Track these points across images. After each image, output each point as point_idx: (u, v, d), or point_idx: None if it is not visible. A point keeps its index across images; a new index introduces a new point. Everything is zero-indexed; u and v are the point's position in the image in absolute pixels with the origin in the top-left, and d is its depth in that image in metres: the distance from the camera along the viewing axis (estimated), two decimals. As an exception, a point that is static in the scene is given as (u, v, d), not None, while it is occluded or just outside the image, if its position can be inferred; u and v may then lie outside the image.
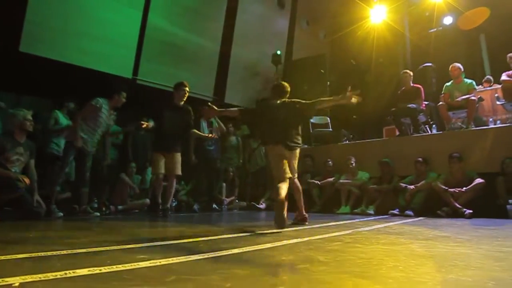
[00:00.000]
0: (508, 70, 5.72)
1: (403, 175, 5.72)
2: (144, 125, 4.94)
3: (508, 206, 4.52)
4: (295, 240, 2.64)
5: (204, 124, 6.25)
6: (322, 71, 8.48)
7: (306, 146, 7.71)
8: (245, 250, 2.18)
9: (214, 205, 6.34)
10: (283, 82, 4.36)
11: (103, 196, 5.62)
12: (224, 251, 2.14)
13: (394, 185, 5.57)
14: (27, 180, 3.93)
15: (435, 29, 9.01)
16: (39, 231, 3.29)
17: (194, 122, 5.71)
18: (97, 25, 6.31)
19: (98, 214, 4.86)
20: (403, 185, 5.39)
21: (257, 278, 1.55)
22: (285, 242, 2.56)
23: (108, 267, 1.68)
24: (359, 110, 8.93)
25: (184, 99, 5.19)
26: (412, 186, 5.28)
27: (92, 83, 5.78)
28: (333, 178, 6.27)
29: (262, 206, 6.67)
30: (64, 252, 2.08)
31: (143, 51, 6.98)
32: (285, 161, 3.83)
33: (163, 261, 1.83)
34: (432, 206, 5.05)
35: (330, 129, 7.96)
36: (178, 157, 5.05)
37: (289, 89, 4.16)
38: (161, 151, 4.96)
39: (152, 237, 2.90)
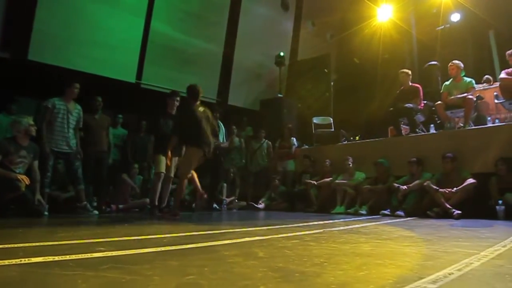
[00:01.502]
0: (508, 68, 5.59)
1: (400, 175, 5.71)
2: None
3: (497, 207, 4.45)
4: (256, 238, 2.76)
5: None
6: (325, 70, 8.51)
7: (306, 146, 7.80)
8: (196, 246, 2.33)
9: (215, 205, 6.51)
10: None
11: (105, 196, 5.90)
12: (178, 245, 2.31)
13: (388, 186, 5.57)
14: (26, 180, 4.24)
15: (442, 27, 8.85)
16: (30, 228, 3.56)
17: None
18: (101, 32, 6.63)
19: (97, 212, 5.13)
20: (396, 185, 5.39)
21: (181, 269, 1.69)
22: (245, 239, 2.69)
23: (62, 256, 1.90)
24: (365, 109, 8.92)
25: (175, 107, 5.49)
26: (404, 187, 5.27)
27: (96, 88, 6.07)
28: (330, 179, 6.32)
29: (261, 206, 6.81)
30: (34, 244, 2.31)
31: (146, 55, 7.26)
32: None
33: (115, 253, 2.03)
34: (424, 207, 5.03)
35: (333, 130, 7.99)
36: (177, 160, 5.34)
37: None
38: (162, 153, 5.17)
39: (126, 232, 3.09)
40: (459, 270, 1.69)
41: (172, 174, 5.37)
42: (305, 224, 4.04)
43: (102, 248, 2.15)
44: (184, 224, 4.11)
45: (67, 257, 1.89)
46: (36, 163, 4.67)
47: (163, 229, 3.41)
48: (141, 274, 1.57)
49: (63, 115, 5.13)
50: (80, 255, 1.95)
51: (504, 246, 2.39)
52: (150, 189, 6.44)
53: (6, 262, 1.73)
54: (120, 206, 5.90)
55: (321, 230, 3.33)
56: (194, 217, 5.25)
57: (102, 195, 5.68)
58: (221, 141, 6.44)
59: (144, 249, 2.17)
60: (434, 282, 1.47)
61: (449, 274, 1.61)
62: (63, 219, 4.46)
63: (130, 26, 7.00)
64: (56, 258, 1.86)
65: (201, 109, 4.89)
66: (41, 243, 2.34)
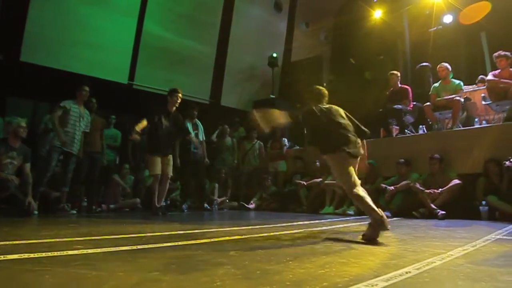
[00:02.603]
0: (496, 70, 5.64)
1: (389, 176, 5.75)
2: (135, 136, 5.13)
3: (481, 208, 4.50)
4: (234, 237, 2.81)
5: (189, 126, 6.45)
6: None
7: (298, 147, 7.85)
8: (172, 245, 2.40)
9: (206, 205, 6.56)
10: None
11: (97, 196, 5.96)
12: (154, 244, 2.37)
13: (376, 186, 5.62)
14: (15, 181, 4.30)
15: (435, 28, 8.90)
16: (17, 226, 3.61)
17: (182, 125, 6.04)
18: (93, 33, 6.69)
19: (74, 212, 5.22)
20: (384, 186, 5.44)
21: (149, 265, 1.76)
22: (224, 238, 2.74)
23: (38, 253, 1.97)
24: (359, 110, 8.95)
25: (177, 105, 5.51)
26: (392, 187, 5.32)
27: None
28: (320, 179, 6.37)
29: (252, 206, 6.86)
30: (15, 242, 2.37)
31: (138, 57, 7.32)
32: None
33: (90, 251, 2.10)
34: (410, 207, 5.07)
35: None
36: (171, 159, 5.48)
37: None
38: (157, 154, 5.31)
39: (110, 231, 3.14)
40: (417, 269, 1.74)
41: (170, 174, 5.43)
42: (290, 224, 4.09)
43: (79, 246, 2.22)
44: (169, 223, 4.16)
45: (42, 255, 1.96)
46: (27, 165, 4.71)
47: (146, 229, 3.47)
48: (107, 270, 1.64)
49: (76, 118, 5.29)
50: (55, 252, 2.02)
51: (473, 246, 2.44)
52: (143, 189, 6.58)
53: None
54: (111, 206, 5.96)
55: (302, 230, 3.39)
56: (182, 217, 5.30)
57: (94, 196, 5.73)
58: (201, 139, 6.48)
59: (119, 247, 2.23)
60: (387, 280, 1.52)
61: (406, 273, 1.66)
62: (51, 218, 4.52)
63: (122, 27, 7.06)
64: (32, 255, 1.93)
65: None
66: (23, 242, 2.40)
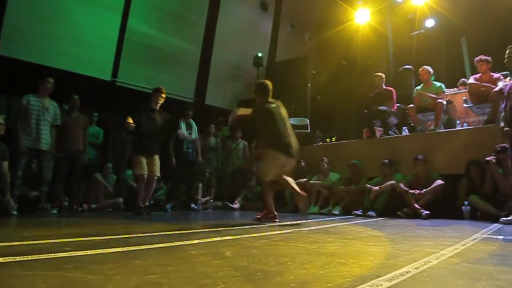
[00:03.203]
0: (477, 74, 5.80)
1: (373, 176, 5.83)
2: (130, 124, 5.03)
3: (463, 208, 4.62)
4: (226, 238, 2.77)
5: (183, 125, 6.40)
6: (313, 72, 8.60)
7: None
8: (164, 246, 2.34)
9: (193, 205, 6.46)
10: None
11: (77, 195, 5.79)
12: (144, 245, 2.30)
13: (361, 186, 5.69)
14: None
15: (417, 32, 9.10)
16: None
17: (174, 123, 5.99)
18: (76, 28, 6.50)
19: (55, 211, 5.05)
20: (369, 186, 5.51)
21: (145, 268, 1.69)
22: (215, 239, 2.70)
23: (25, 256, 1.87)
24: (342, 111, 9.06)
25: (160, 103, 5.42)
26: (376, 188, 5.39)
27: (71, 85, 5.95)
28: (305, 179, 6.39)
29: (236, 206, 6.83)
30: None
31: (122, 53, 7.16)
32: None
33: (80, 253, 2.01)
34: (394, 207, 5.15)
35: (308, 131, 8.08)
36: (158, 159, 5.40)
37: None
38: (143, 154, 5.22)
39: (93, 232, 3.05)
40: (416, 268, 1.75)
41: (157, 174, 5.35)
42: (278, 224, 4.08)
43: (68, 248, 2.13)
44: (155, 224, 4.08)
45: (29, 257, 1.86)
46: (5, 164, 4.53)
47: (133, 229, 3.38)
48: (103, 273, 1.57)
49: (38, 111, 5.03)
50: (43, 255, 1.92)
51: (463, 245, 2.49)
52: (126, 189, 6.44)
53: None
54: (93, 205, 5.80)
55: (291, 230, 3.38)
56: (168, 217, 5.22)
57: (74, 195, 5.56)
58: (194, 137, 6.42)
59: (110, 249, 2.15)
60: (390, 280, 1.52)
61: (406, 272, 1.66)
62: (30, 219, 4.36)
63: (106, 22, 6.88)
64: (18, 258, 1.83)
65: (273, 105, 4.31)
66: (5, 243, 2.28)
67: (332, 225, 3.98)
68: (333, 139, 8.23)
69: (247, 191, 7.13)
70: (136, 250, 2.18)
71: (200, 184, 6.84)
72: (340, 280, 1.51)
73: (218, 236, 2.84)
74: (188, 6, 8.16)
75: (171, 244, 2.41)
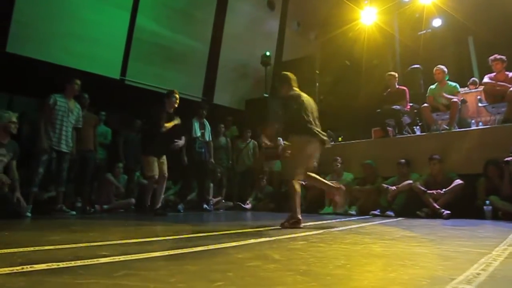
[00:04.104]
0: (491, 73, 5.78)
1: (387, 176, 5.78)
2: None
3: (485, 207, 4.58)
4: (261, 239, 2.69)
5: (196, 125, 6.31)
6: (317, 71, 8.53)
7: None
8: (205, 249, 2.24)
9: (205, 206, 6.36)
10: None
11: (89, 196, 5.67)
12: (185, 249, 2.20)
13: (377, 186, 5.63)
14: (7, 181, 3.99)
15: (424, 31, 9.08)
16: (16, 230, 3.35)
17: (187, 123, 5.92)
18: (84, 26, 6.37)
19: (74, 213, 4.92)
20: (385, 186, 5.45)
21: (203, 274, 1.60)
22: (251, 241, 2.61)
23: (67, 262, 1.75)
24: (348, 110, 9.01)
25: (175, 106, 5.41)
26: (393, 187, 5.33)
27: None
28: (318, 179, 6.31)
29: (248, 206, 6.74)
30: (30, 249, 2.14)
31: (131, 52, 7.04)
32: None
33: (122, 258, 1.90)
34: (413, 207, 5.10)
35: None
36: (165, 158, 5.39)
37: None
38: (154, 155, 5.21)
39: (124, 235, 2.95)
40: (483, 270, 1.69)
41: (166, 174, 5.31)
42: (302, 225, 3.99)
43: (105, 253, 2.02)
44: (177, 225, 3.98)
45: (72, 263, 1.75)
46: (14, 163, 4.40)
47: (158, 231, 3.28)
48: (163, 281, 1.47)
49: (63, 112, 4.95)
50: (85, 260, 1.81)
51: (510, 245, 2.43)
52: (137, 189, 6.34)
53: (7, 270, 1.58)
54: (105, 206, 5.68)
55: (322, 231, 3.30)
56: (186, 218, 5.12)
57: (86, 196, 5.43)
58: (207, 139, 6.33)
59: (151, 253, 2.05)
60: (468, 282, 1.46)
61: (478, 274, 1.60)
62: (47, 220, 4.24)
63: (115, 20, 6.76)
64: (61, 264, 1.72)
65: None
66: (36, 248, 2.17)
67: (359, 225, 3.91)
68: (339, 139, 8.17)
69: (258, 191, 7.04)
70: (179, 254, 2.08)
71: (211, 184, 6.74)
72: (417, 283, 1.44)
73: (252, 238, 2.75)
74: (196, 4, 8.06)
75: (212, 247, 2.32)
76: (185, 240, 2.68)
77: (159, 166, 5.24)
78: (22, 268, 1.62)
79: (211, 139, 6.44)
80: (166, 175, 5.36)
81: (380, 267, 1.79)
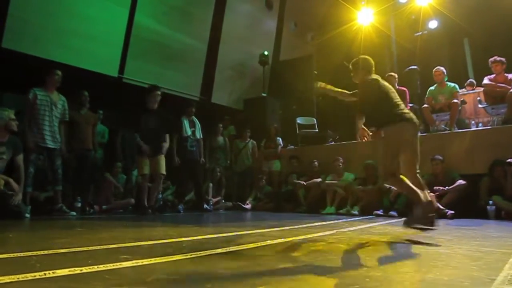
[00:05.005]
0: (490, 74, 5.84)
1: (387, 176, 5.78)
2: None
3: (488, 207, 4.62)
4: (278, 240, 2.64)
5: (186, 123, 6.20)
6: (315, 72, 8.53)
7: (292, 146, 7.77)
8: (228, 250, 2.18)
9: (205, 206, 6.27)
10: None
11: (88, 196, 5.54)
12: (207, 251, 2.14)
13: (379, 186, 5.64)
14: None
15: (420, 33, 9.17)
16: (19, 231, 3.24)
17: (176, 121, 5.84)
18: (82, 22, 6.23)
19: (74, 213, 4.80)
20: (388, 186, 5.45)
21: (239, 278, 1.55)
22: (268, 242, 2.56)
23: (89, 267, 1.66)
24: (345, 111, 9.02)
25: (157, 102, 5.39)
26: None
27: (76, 81, 5.68)
28: (319, 179, 6.31)
29: (248, 206, 6.68)
30: (44, 252, 2.05)
31: (129, 49, 6.92)
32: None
33: (146, 261, 1.81)
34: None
35: (316, 130, 8.01)
36: (162, 158, 5.37)
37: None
38: (145, 155, 5.23)
39: (135, 237, 2.87)
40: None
41: (162, 172, 5.30)
42: (310, 225, 3.97)
43: (125, 256, 1.93)
44: (180, 226, 3.91)
45: (96, 268, 1.66)
46: (19, 157, 4.25)
47: (172, 232, 3.20)
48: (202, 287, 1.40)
49: (45, 106, 4.68)
50: (107, 265, 1.72)
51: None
52: (135, 189, 6.24)
53: (29, 276, 1.48)
54: (104, 206, 5.56)
55: (334, 231, 3.27)
56: (186, 218, 5.05)
57: (85, 196, 5.31)
58: (198, 137, 6.25)
59: (174, 256, 1.96)
60: (510, 282, 1.44)
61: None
62: (47, 221, 4.12)
63: (113, 17, 6.63)
64: (84, 269, 1.63)
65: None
66: (50, 252, 2.07)
67: (367, 225, 3.89)
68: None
69: (257, 191, 7.00)
70: (202, 256, 2.01)
71: (211, 184, 6.67)
72: (459, 283, 1.42)
73: (269, 240, 2.69)
74: (195, 2, 7.97)
75: (236, 248, 2.26)
76: (202, 242, 2.62)
77: (152, 165, 5.26)
78: (45, 274, 1.53)
79: (201, 136, 6.35)
80: (162, 174, 5.36)
81: (413, 267, 1.77)
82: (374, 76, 3.41)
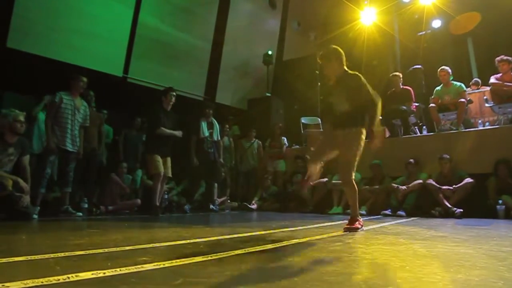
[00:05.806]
0: (497, 73, 5.83)
1: (394, 176, 5.78)
2: None
3: (498, 207, 4.61)
4: (295, 241, 2.62)
5: (204, 125, 6.20)
6: (317, 72, 8.50)
7: (297, 146, 7.75)
8: (248, 251, 2.15)
9: (212, 206, 6.25)
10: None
11: (94, 197, 5.51)
12: (226, 252, 2.11)
13: (386, 186, 5.62)
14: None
15: (424, 32, 9.16)
16: (30, 233, 3.20)
17: (194, 122, 5.83)
18: (87, 21, 6.20)
19: (81, 214, 4.78)
20: (395, 185, 5.45)
21: (267, 279, 1.52)
22: (285, 243, 2.54)
23: (112, 270, 1.63)
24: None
25: (171, 103, 5.39)
26: (404, 187, 5.33)
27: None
28: (325, 179, 6.28)
29: (254, 206, 6.66)
30: (61, 254, 2.01)
31: (134, 49, 6.88)
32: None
33: (167, 263, 1.78)
34: (423, 206, 5.12)
35: (321, 130, 7.97)
36: (170, 161, 5.39)
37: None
38: (158, 154, 5.19)
39: (149, 238, 2.84)
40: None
41: (169, 174, 5.23)
42: (321, 225, 3.95)
43: (145, 258, 1.90)
44: (192, 227, 3.88)
45: (118, 270, 1.63)
46: (26, 158, 4.23)
47: (181, 233, 3.17)
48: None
49: (69, 110, 4.78)
50: (129, 267, 1.68)
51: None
52: (141, 190, 6.21)
53: (52, 279, 1.44)
54: (110, 207, 5.52)
55: (348, 231, 3.24)
56: (194, 219, 5.02)
57: (92, 196, 5.28)
58: (215, 138, 6.24)
59: (194, 258, 1.94)
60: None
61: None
62: (56, 222, 4.10)
63: (118, 16, 6.59)
64: (107, 272, 1.60)
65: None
66: (67, 254, 2.03)
67: (378, 225, 3.88)
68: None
69: (262, 191, 6.97)
70: (223, 257, 1.98)
71: (216, 184, 6.64)
72: (492, 284, 1.40)
73: (285, 241, 2.67)
74: (199, 1, 7.93)
75: (255, 249, 2.23)
76: (219, 243, 2.59)
77: (164, 165, 5.24)
78: (68, 278, 1.50)
79: (219, 138, 6.34)
80: (168, 176, 5.40)
81: (440, 268, 1.74)
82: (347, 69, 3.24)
